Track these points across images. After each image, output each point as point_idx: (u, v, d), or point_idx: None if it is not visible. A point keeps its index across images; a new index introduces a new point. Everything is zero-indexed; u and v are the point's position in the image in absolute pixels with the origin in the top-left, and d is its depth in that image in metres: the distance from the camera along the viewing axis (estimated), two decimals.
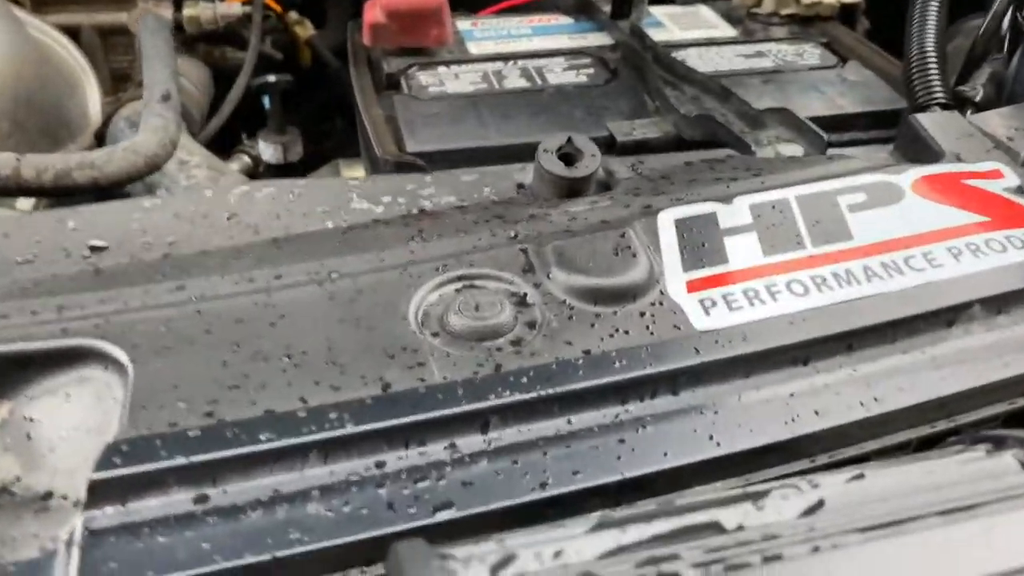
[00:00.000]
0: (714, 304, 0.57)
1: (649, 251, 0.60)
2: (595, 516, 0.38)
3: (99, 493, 0.43)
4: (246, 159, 1.29)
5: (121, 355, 0.50)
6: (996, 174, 0.73)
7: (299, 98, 1.31)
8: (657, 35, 1.18)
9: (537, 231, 0.62)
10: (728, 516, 0.37)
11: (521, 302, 0.56)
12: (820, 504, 0.38)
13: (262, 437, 0.45)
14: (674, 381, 0.51)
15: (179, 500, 0.43)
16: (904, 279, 0.60)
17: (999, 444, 0.39)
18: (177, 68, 1.03)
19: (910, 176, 0.70)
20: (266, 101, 1.28)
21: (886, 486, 0.38)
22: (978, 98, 0.88)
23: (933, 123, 0.80)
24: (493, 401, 0.48)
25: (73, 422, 0.49)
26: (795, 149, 0.82)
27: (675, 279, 0.58)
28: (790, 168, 0.73)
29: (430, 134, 0.94)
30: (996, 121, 0.82)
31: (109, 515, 0.43)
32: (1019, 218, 0.67)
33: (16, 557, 0.43)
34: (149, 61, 1.01)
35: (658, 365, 0.51)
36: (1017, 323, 0.58)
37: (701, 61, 1.12)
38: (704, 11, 1.29)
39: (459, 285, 0.57)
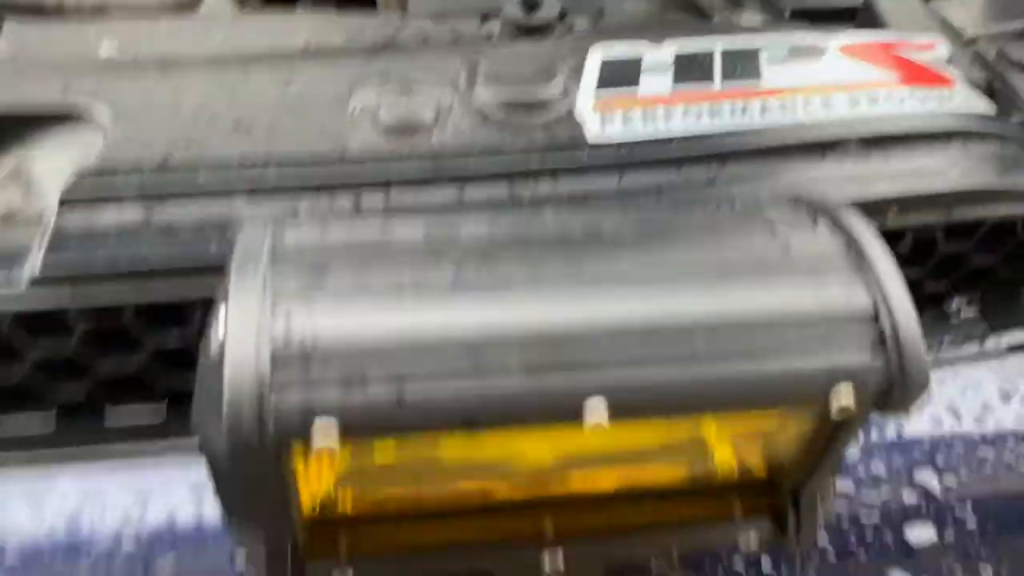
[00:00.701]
0: (611, 121, 0.64)
1: (569, 77, 0.68)
2: None
3: (66, 207, 0.54)
4: None
5: (105, 115, 0.61)
6: (928, 46, 0.78)
7: None
8: None
9: (480, 58, 0.71)
10: None
11: (442, 104, 0.65)
12: None
13: (200, 176, 0.56)
14: (554, 174, 0.60)
15: (128, 214, 0.55)
16: (795, 116, 0.66)
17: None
18: None
19: (840, 40, 0.76)
20: None
21: None
22: None
23: (889, 3, 0.84)
24: (393, 173, 0.58)
25: (64, 165, 0.60)
26: (751, 20, 0.87)
27: (584, 101, 0.66)
28: (732, 31, 0.79)
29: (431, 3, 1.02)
30: (957, 8, 0.86)
31: (74, 221, 0.54)
32: (928, 79, 0.72)
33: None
34: None
35: (545, 163, 0.60)
36: (887, 160, 0.64)
37: None
38: None
39: (395, 89, 0.66)
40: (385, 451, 0.46)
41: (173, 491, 0.58)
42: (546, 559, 0.47)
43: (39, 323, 0.55)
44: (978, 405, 0.67)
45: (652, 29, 0.79)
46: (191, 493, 0.57)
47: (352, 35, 0.77)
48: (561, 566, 0.47)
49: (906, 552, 0.62)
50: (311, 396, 0.34)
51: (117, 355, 0.57)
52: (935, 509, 0.62)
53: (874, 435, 0.63)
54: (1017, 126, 0.70)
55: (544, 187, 0.60)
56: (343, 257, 0.38)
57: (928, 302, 0.72)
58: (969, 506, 0.63)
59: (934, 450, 0.64)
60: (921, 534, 0.63)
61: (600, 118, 0.65)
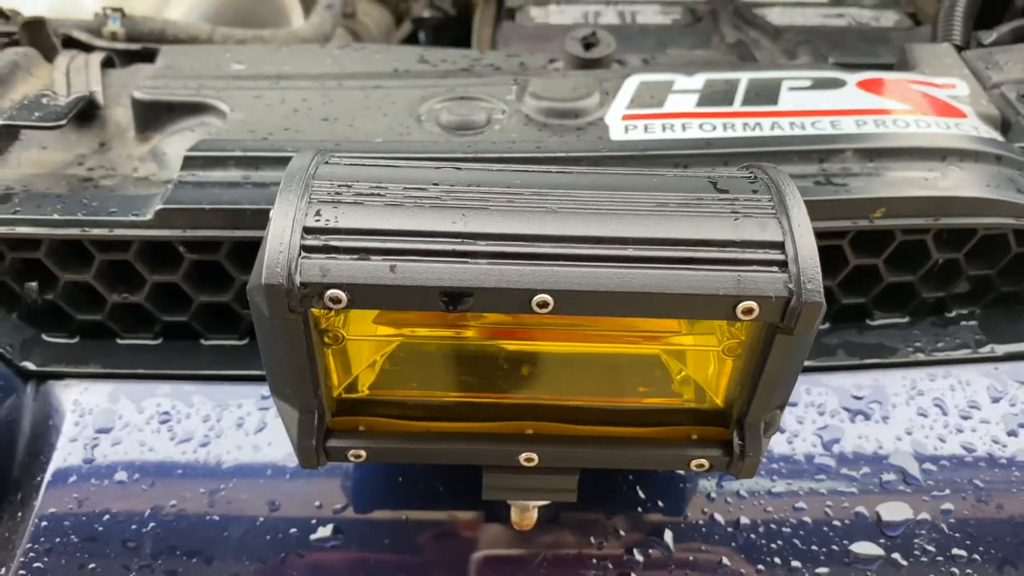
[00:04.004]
0: (635, 128, 0.75)
1: (606, 95, 0.80)
2: None
3: (186, 166, 0.70)
4: None
5: (225, 108, 0.78)
6: (949, 86, 0.85)
7: (450, 36, 1.58)
8: None
9: (531, 79, 0.84)
10: None
11: (494, 112, 0.77)
12: None
13: (288, 149, 0.70)
14: (576, 162, 0.71)
15: (232, 175, 0.70)
16: (802, 131, 0.75)
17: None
18: None
19: (860, 76, 0.85)
20: (421, 36, 1.56)
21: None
22: (987, 41, 0.98)
23: (921, 49, 0.93)
24: (443, 155, 0.71)
25: (192, 144, 0.76)
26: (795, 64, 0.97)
27: (614, 113, 0.78)
28: (767, 67, 0.89)
29: (518, 47, 1.17)
30: (984, 54, 0.92)
31: (192, 176, 0.70)
32: (940, 110, 0.80)
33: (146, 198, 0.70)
34: None
35: (569, 151, 0.71)
36: (880, 169, 0.72)
37: (780, 16, 1.27)
38: None
39: (458, 100, 0.80)
40: (398, 354, 0.57)
41: (244, 403, 0.71)
42: (522, 454, 0.56)
43: (158, 255, 0.70)
44: (965, 402, 0.72)
45: (697, 66, 0.90)
46: (257, 404, 0.71)
47: (436, 64, 0.91)
48: (536, 459, 0.56)
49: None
50: (328, 263, 0.47)
51: (213, 288, 0.72)
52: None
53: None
54: (1019, 150, 0.76)
55: None
56: (365, 178, 0.51)
57: (930, 311, 0.78)
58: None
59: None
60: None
61: (625, 125, 0.76)
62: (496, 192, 0.51)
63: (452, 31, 1.58)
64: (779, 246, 0.48)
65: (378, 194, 0.50)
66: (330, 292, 0.46)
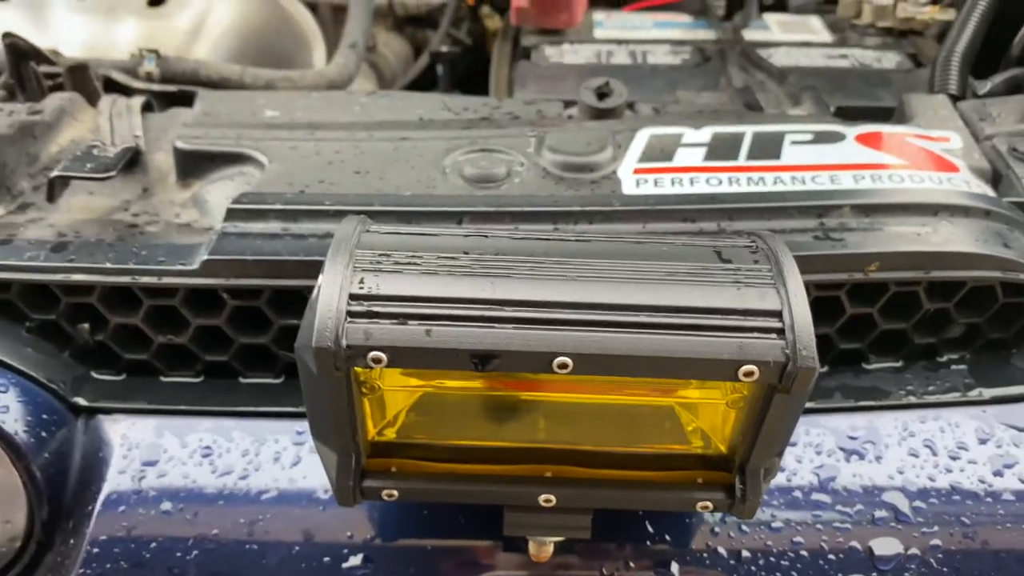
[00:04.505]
0: (646, 182, 0.81)
1: (617, 149, 0.85)
2: None
3: (228, 218, 0.75)
4: None
5: (263, 159, 0.83)
6: (944, 139, 0.90)
7: (465, 65, 1.64)
8: (759, 35, 1.39)
9: (548, 131, 0.89)
10: None
11: (514, 164, 0.83)
12: None
13: (325, 203, 0.76)
14: (591, 216, 0.76)
15: (272, 227, 0.75)
16: (802, 187, 0.80)
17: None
18: (370, 27, 1.38)
19: (858, 129, 0.90)
20: (439, 69, 1.62)
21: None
22: (981, 92, 1.03)
23: (918, 100, 0.98)
24: (467, 208, 0.76)
25: (231, 193, 0.82)
26: (799, 114, 1.02)
27: (626, 167, 0.83)
28: (771, 119, 0.94)
29: (534, 88, 1.22)
30: (978, 106, 0.97)
31: (234, 228, 0.75)
32: (934, 165, 0.84)
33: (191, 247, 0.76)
34: (349, 21, 1.37)
35: (584, 206, 0.77)
36: (875, 224, 0.77)
37: (786, 57, 1.32)
38: (812, 21, 1.48)
39: (480, 152, 0.85)
40: (426, 402, 0.63)
41: (280, 438, 0.76)
42: (541, 495, 0.61)
43: (202, 300, 0.76)
44: (954, 443, 0.77)
45: (704, 116, 0.95)
46: (293, 440, 0.76)
47: (458, 112, 0.97)
48: (554, 500, 0.61)
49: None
50: (371, 327, 0.52)
51: (253, 330, 0.77)
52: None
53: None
54: (1007, 204, 0.81)
55: (581, 228, 0.76)
56: (402, 247, 0.56)
57: (922, 355, 0.83)
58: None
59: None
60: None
61: (636, 179, 0.81)
62: (520, 260, 0.56)
63: (467, 60, 1.64)
64: (777, 315, 0.53)
65: (414, 263, 0.55)
66: (372, 354, 0.52)
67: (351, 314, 0.52)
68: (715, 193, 0.79)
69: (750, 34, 1.39)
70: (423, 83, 1.66)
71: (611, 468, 0.63)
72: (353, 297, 0.53)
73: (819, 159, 0.85)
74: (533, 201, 0.78)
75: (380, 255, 0.55)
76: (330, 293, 0.53)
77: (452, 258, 0.55)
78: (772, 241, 0.58)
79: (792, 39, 1.40)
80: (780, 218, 0.77)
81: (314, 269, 0.61)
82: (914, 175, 0.83)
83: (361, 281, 0.53)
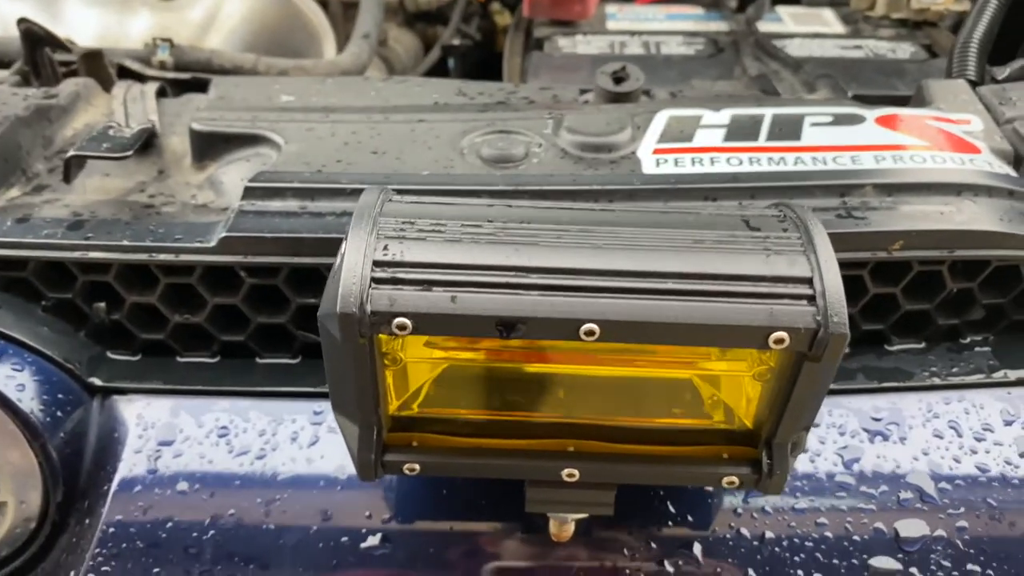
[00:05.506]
0: (665, 162, 0.80)
1: (636, 130, 0.84)
2: None
3: (246, 196, 0.75)
4: None
5: (279, 140, 0.83)
6: (964, 122, 0.90)
7: (474, 59, 1.63)
8: (772, 27, 1.39)
9: (566, 114, 0.88)
10: None
11: (531, 145, 0.82)
12: None
13: (342, 181, 0.75)
14: (611, 195, 0.76)
15: (290, 204, 0.74)
16: (824, 167, 0.80)
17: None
18: (381, 20, 1.38)
19: (878, 111, 0.89)
20: (451, 62, 1.62)
21: None
22: (1000, 77, 1.02)
23: (937, 85, 0.97)
24: (486, 187, 0.75)
25: (247, 174, 0.81)
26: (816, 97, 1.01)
27: (646, 147, 0.82)
28: (790, 102, 0.94)
29: (547, 77, 1.22)
30: (998, 90, 0.96)
31: (252, 206, 0.74)
32: (955, 146, 0.84)
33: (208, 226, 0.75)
34: (362, 14, 1.37)
35: (605, 184, 0.76)
36: (898, 203, 0.76)
37: (799, 48, 1.31)
38: (825, 13, 1.47)
39: (497, 133, 0.84)
40: (448, 375, 0.62)
41: (298, 418, 0.75)
42: (564, 470, 0.61)
43: (219, 279, 0.75)
44: (979, 425, 0.76)
45: (722, 100, 0.94)
46: (310, 419, 0.75)
47: (473, 97, 0.96)
48: (577, 475, 0.60)
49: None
50: (395, 293, 0.51)
51: (270, 310, 0.76)
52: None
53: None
54: None
55: (602, 207, 0.75)
56: (426, 215, 0.55)
57: (945, 337, 0.82)
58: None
59: None
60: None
61: (656, 159, 0.80)
62: (546, 228, 0.55)
63: (477, 54, 1.63)
64: (808, 281, 0.52)
65: (438, 230, 0.54)
66: (397, 320, 0.51)
67: (375, 280, 0.51)
68: (736, 172, 0.78)
69: (763, 26, 1.38)
70: (434, 77, 1.65)
71: (634, 443, 0.62)
72: (377, 263, 0.52)
73: (839, 140, 0.84)
74: (552, 180, 0.77)
75: (404, 222, 0.55)
76: (354, 260, 0.52)
77: (477, 226, 0.55)
78: (800, 210, 0.57)
79: (805, 31, 1.39)
80: (802, 197, 0.77)
81: (332, 247, 0.61)
82: (936, 155, 0.82)
83: (385, 248, 0.53)
